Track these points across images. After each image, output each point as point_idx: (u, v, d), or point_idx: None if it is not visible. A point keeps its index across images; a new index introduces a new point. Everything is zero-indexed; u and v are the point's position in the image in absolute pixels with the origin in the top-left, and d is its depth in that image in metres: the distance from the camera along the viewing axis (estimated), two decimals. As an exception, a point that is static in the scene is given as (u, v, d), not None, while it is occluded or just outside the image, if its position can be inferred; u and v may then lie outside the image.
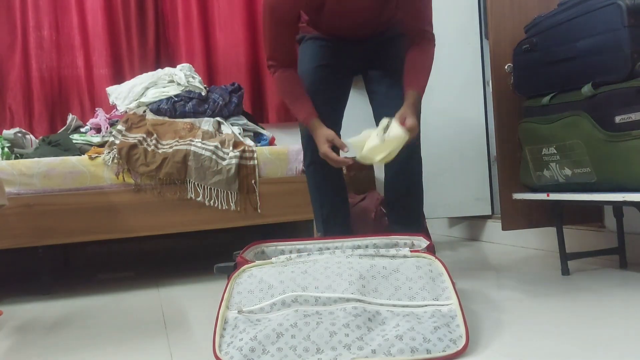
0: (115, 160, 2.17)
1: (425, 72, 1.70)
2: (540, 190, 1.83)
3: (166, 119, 2.47)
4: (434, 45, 1.73)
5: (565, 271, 1.82)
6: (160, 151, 2.23)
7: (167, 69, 2.70)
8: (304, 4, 1.69)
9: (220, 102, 2.54)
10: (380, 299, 1.19)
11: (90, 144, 2.37)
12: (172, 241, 2.99)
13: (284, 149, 2.39)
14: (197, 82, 2.62)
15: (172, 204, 2.19)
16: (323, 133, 1.66)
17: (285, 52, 1.73)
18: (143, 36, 3.18)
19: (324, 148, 1.64)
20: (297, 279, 1.24)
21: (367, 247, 1.55)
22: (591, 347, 1.10)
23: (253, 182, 2.26)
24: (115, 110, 2.61)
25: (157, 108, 2.50)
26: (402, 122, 1.54)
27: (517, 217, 1.98)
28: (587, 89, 1.59)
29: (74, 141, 2.38)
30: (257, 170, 2.28)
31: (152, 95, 2.54)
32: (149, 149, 2.23)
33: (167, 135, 2.36)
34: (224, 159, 2.24)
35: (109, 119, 2.53)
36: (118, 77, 3.13)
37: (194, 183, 2.21)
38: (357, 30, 1.81)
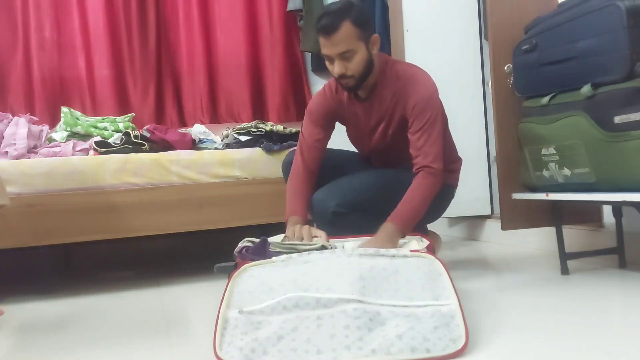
0: None
1: (411, 206, 1.68)
2: (539, 190, 1.83)
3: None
4: (435, 180, 1.71)
5: (565, 271, 1.83)
6: None
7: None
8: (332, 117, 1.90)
9: None
10: (381, 299, 1.19)
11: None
12: (172, 241, 2.98)
13: (283, 149, 2.39)
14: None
15: (172, 204, 2.19)
16: (294, 223, 1.72)
17: (315, 152, 1.86)
18: (144, 37, 3.19)
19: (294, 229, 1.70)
20: (297, 281, 1.25)
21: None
22: (591, 346, 1.10)
23: None
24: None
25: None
26: None
27: (517, 217, 1.98)
28: (586, 89, 1.59)
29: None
30: None
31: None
32: None
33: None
34: None
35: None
36: (119, 78, 3.14)
37: None
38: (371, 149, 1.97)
